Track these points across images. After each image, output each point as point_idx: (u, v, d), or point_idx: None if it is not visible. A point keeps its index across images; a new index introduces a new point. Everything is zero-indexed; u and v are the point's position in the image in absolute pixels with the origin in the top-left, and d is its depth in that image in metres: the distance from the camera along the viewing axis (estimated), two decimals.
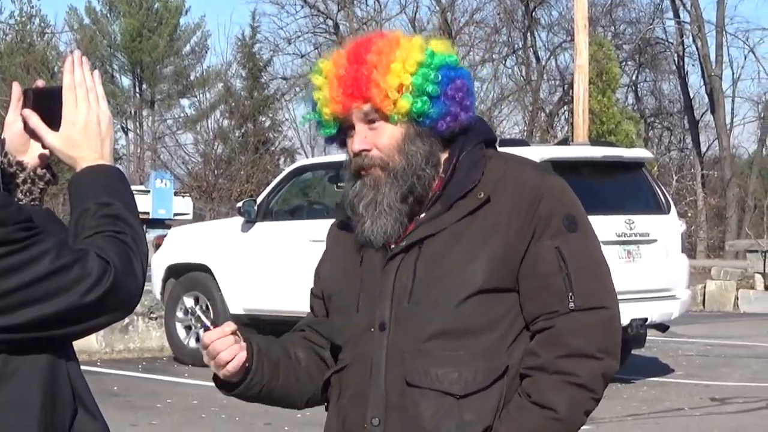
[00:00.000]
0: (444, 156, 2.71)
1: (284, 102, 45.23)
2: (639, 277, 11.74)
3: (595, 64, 27.67)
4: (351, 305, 2.72)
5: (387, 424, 2.64)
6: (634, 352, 12.76)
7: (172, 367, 13.24)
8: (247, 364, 2.71)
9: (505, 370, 2.62)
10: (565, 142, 15.36)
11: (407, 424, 2.62)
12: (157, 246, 14.75)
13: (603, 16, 42.68)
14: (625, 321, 10.94)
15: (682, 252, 12.71)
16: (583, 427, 2.71)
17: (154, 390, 11.65)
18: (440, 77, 2.66)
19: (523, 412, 2.59)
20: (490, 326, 2.62)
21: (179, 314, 13.27)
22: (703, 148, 44.46)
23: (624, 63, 42.09)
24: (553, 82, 44.61)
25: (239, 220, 13.45)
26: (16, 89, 2.43)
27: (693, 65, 44.42)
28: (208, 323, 2.68)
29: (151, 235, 18.88)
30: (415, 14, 43.61)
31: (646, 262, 12.04)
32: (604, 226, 10.79)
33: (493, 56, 43.20)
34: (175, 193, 33.50)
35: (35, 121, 2.39)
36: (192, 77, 50.72)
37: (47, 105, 2.39)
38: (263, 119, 44.21)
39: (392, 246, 2.70)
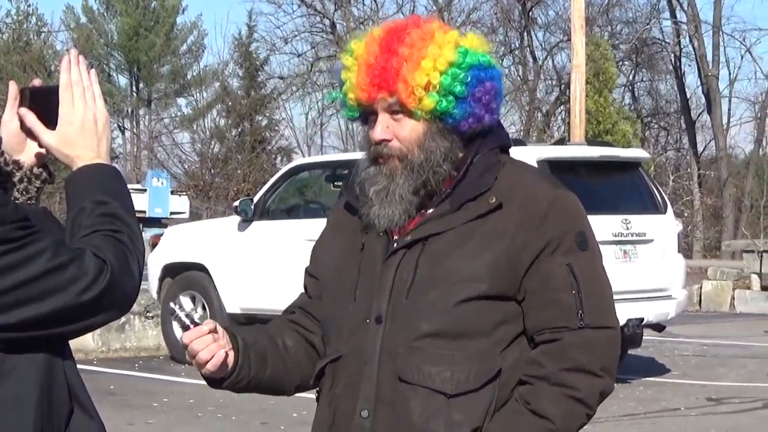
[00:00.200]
0: (461, 154, 2.70)
1: (281, 101, 45.27)
2: (635, 277, 11.74)
3: (591, 64, 27.68)
4: (348, 293, 2.72)
5: (376, 418, 2.64)
6: (631, 352, 12.77)
7: (169, 366, 13.24)
8: (230, 361, 2.70)
9: (497, 373, 2.62)
10: (561, 141, 15.39)
11: (396, 419, 2.62)
12: (154, 245, 14.75)
13: (600, 16, 42.68)
14: (621, 321, 10.89)
15: (679, 252, 12.72)
16: None
17: (150, 389, 11.64)
18: (470, 78, 2.64)
19: (520, 418, 2.60)
20: (485, 331, 2.62)
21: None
22: (700, 148, 44.49)
23: (621, 63, 42.10)
24: (549, 81, 44.65)
25: (236, 219, 13.45)
26: (13, 88, 2.42)
27: (690, 65, 44.54)
28: (187, 322, 2.67)
29: (148, 233, 18.86)
30: (412, 14, 43.62)
31: (643, 262, 12.04)
32: (601, 225, 10.77)
33: None
34: (172, 192, 33.48)
35: (32, 119, 2.39)
36: (189, 76, 50.69)
37: (44, 104, 2.39)
38: (260, 118, 44.20)
39: (395, 237, 2.69)
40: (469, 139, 2.70)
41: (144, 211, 30.39)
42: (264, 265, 12.83)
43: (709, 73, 41.32)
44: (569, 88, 21.10)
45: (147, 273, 13.85)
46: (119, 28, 50.47)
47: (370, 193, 2.68)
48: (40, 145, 2.41)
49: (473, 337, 2.62)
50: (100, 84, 2.46)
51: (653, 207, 12.47)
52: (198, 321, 2.68)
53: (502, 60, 43.79)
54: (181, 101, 50.64)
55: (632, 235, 12.00)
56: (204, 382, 2.79)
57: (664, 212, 12.57)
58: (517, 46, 44.26)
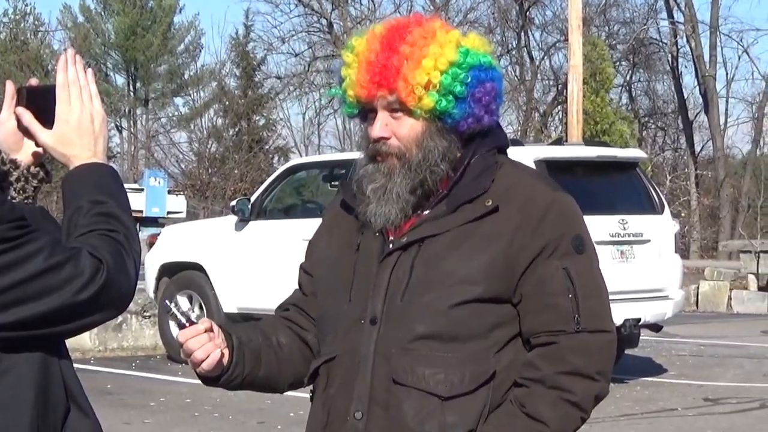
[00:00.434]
0: (458, 154, 2.69)
1: (278, 101, 45.26)
2: (632, 277, 11.74)
3: (589, 65, 27.69)
4: (343, 293, 2.71)
5: (369, 419, 2.63)
6: (628, 352, 12.77)
7: (166, 366, 13.23)
8: (225, 360, 2.70)
9: (492, 375, 2.61)
10: (559, 142, 15.36)
11: (390, 421, 2.61)
12: (151, 244, 14.75)
13: (597, 16, 42.69)
14: (618, 321, 10.95)
15: (676, 252, 12.72)
16: None
17: (147, 388, 11.64)
18: (470, 78, 2.63)
19: (514, 420, 2.59)
20: (480, 333, 2.61)
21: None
22: (697, 149, 44.50)
23: (618, 63, 42.13)
24: (547, 82, 44.67)
25: (233, 218, 13.45)
26: (10, 87, 2.42)
27: (687, 65, 44.47)
28: (183, 321, 2.67)
29: (145, 233, 18.90)
30: (409, 13, 43.58)
31: (640, 262, 12.04)
32: (598, 226, 10.78)
33: None
34: (169, 192, 33.53)
35: (28, 119, 2.39)
36: (186, 76, 50.74)
37: (41, 103, 2.39)
38: (257, 118, 44.20)
39: (391, 237, 2.69)
40: (468, 140, 2.69)
41: (141, 211, 30.41)
42: (261, 264, 12.83)
43: (707, 74, 41.33)
44: (566, 88, 21.11)
45: (144, 272, 13.85)
46: (116, 28, 50.50)
47: (367, 191, 2.68)
48: (37, 144, 2.41)
49: (468, 339, 2.61)
50: (98, 83, 2.46)
51: (650, 207, 12.48)
52: (194, 320, 2.67)
53: (500, 60, 43.81)
54: (178, 101, 50.73)
55: (629, 236, 12.00)
56: (201, 382, 2.79)
57: (661, 212, 12.58)
58: (515, 46, 44.29)
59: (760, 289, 23.35)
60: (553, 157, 11.90)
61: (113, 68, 52.08)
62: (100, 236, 2.29)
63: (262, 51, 44.93)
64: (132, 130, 50.28)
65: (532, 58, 44.31)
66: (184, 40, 52.22)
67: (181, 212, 33.28)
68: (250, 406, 10.18)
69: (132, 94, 51.75)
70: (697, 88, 43.45)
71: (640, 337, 13.01)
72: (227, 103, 43.48)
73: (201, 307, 13.25)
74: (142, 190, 31.97)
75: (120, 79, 52.53)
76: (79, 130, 2.38)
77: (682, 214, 36.89)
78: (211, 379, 2.75)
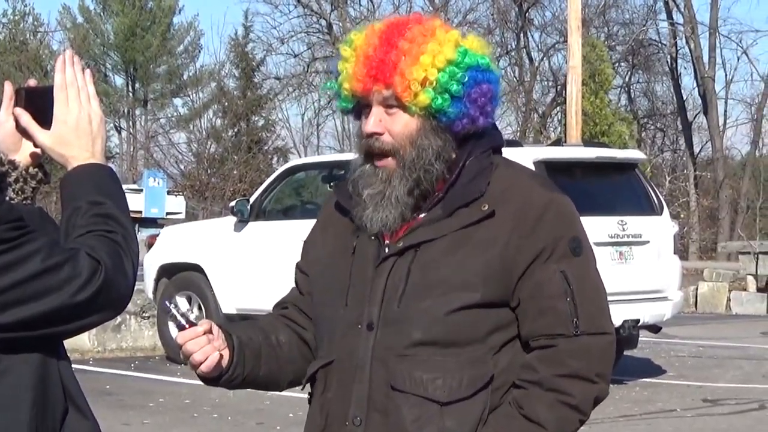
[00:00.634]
0: (453, 155, 2.67)
1: (277, 102, 45.28)
2: (631, 278, 11.75)
3: (588, 66, 27.68)
4: (339, 298, 2.69)
5: (368, 425, 2.62)
6: (627, 353, 12.77)
7: (165, 366, 13.23)
8: (224, 360, 2.70)
9: (490, 379, 2.60)
10: (558, 143, 15.36)
11: (389, 426, 2.60)
12: (150, 245, 14.74)
13: (596, 18, 42.71)
14: (617, 322, 10.95)
15: (675, 253, 12.72)
16: None
17: (146, 389, 11.64)
18: (467, 78, 2.62)
19: (512, 422, 2.58)
20: (478, 338, 2.60)
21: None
22: (696, 150, 44.50)
23: (617, 64, 42.13)
24: (546, 83, 44.69)
25: (232, 219, 13.45)
26: (8, 88, 2.42)
27: (686, 67, 44.50)
28: (183, 322, 2.66)
29: (144, 234, 18.90)
30: (409, 14, 43.56)
31: (639, 264, 12.04)
32: (597, 227, 10.79)
33: None
34: (168, 192, 33.55)
35: (27, 119, 2.39)
36: (185, 76, 50.74)
37: (39, 104, 2.39)
38: (256, 119, 44.23)
39: (387, 241, 2.67)
40: (463, 141, 2.68)
41: (140, 212, 30.41)
42: (260, 265, 12.83)
43: (706, 75, 41.34)
44: (565, 90, 21.10)
45: (143, 273, 13.85)
46: (116, 28, 50.50)
47: (363, 195, 2.66)
48: (36, 145, 2.41)
49: (466, 344, 2.60)
50: (97, 84, 2.46)
51: (649, 208, 12.48)
52: (194, 321, 2.67)
53: (499, 61, 43.83)
54: (178, 101, 50.74)
55: (628, 237, 12.00)
56: (200, 383, 2.80)
57: (660, 213, 12.58)
58: (514, 47, 44.30)
59: (759, 290, 23.36)
60: (552, 158, 11.90)
61: (112, 69, 52.11)
62: (98, 237, 2.29)
63: (262, 52, 45.03)
64: (131, 130, 50.29)
65: (531, 59, 44.35)
66: (183, 41, 52.25)
67: (180, 213, 33.30)
68: (249, 406, 10.18)
69: (131, 94, 51.75)
70: (697, 89, 43.48)
71: (639, 338, 13.01)
72: (226, 103, 43.51)
73: (200, 308, 13.24)
74: (141, 190, 31.98)
75: (119, 80, 52.60)
76: (77, 131, 2.38)
77: (681, 215, 36.92)
78: (212, 379, 2.75)
